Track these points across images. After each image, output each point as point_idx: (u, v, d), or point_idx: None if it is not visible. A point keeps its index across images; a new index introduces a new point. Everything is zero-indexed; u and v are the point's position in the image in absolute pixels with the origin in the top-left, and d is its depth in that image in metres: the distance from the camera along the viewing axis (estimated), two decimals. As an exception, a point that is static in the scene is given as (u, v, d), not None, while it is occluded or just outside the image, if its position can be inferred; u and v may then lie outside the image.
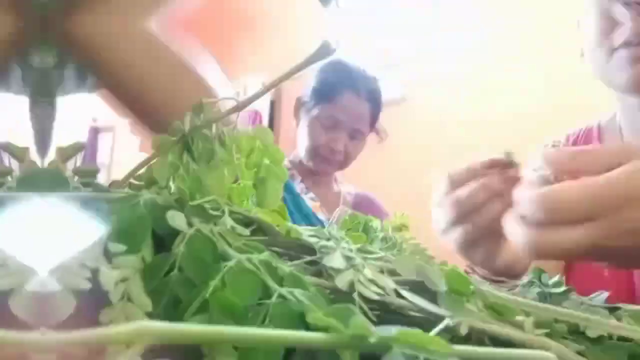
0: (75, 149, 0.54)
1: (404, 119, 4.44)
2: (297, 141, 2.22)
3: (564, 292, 0.73)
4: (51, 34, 0.77)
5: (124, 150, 6.41)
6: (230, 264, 0.38)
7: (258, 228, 0.52)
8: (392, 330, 0.25)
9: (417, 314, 0.42)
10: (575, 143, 1.43)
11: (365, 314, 0.39)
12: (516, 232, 0.66)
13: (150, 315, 0.37)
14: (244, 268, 0.38)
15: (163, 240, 0.44)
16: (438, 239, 0.87)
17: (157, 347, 0.21)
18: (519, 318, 0.45)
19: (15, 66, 0.76)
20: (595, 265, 1.18)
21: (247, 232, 0.48)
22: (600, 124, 1.42)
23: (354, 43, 4.66)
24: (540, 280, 0.78)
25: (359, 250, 0.50)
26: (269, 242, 0.50)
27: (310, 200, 2.10)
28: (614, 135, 1.34)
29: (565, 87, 4.14)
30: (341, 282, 0.42)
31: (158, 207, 0.44)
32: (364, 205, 2.28)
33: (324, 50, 0.58)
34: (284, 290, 0.36)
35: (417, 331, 0.25)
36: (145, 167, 0.57)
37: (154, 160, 0.57)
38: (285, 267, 0.40)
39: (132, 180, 0.57)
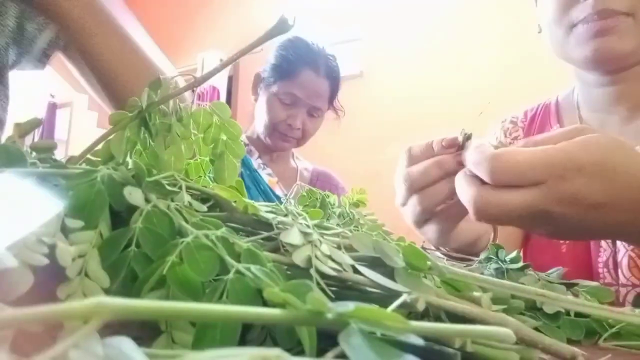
0: (33, 124, 0.54)
1: (362, 94, 4.45)
2: (255, 117, 2.22)
3: (521, 268, 0.74)
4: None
5: (81, 126, 6.35)
6: (188, 239, 0.38)
7: (215, 204, 0.52)
8: (349, 306, 0.25)
9: (374, 290, 0.43)
10: (533, 119, 1.45)
11: (322, 290, 0.39)
12: (464, 192, 0.67)
13: (108, 291, 0.37)
14: (201, 244, 0.38)
15: (120, 216, 0.44)
16: (395, 214, 0.88)
17: (114, 322, 0.21)
18: (477, 294, 0.46)
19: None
20: (554, 242, 1.20)
21: (204, 208, 0.48)
22: (558, 100, 1.44)
23: (312, 19, 4.63)
24: (497, 256, 0.79)
25: (316, 226, 0.50)
26: (226, 218, 0.50)
27: (267, 176, 2.10)
28: (571, 111, 1.36)
29: (520, 63, 4.18)
30: (298, 258, 0.42)
31: (115, 183, 0.44)
32: (321, 180, 2.29)
33: (282, 25, 0.58)
34: (241, 266, 0.37)
35: (374, 307, 0.26)
36: (103, 143, 0.57)
37: (112, 136, 0.56)
38: (243, 243, 0.40)
39: (89, 156, 0.57)
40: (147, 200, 0.43)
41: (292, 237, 0.44)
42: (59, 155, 0.53)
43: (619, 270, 1.14)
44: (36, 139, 0.55)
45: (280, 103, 2.09)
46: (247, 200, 0.53)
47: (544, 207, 0.64)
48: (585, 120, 1.31)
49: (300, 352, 0.31)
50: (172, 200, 0.45)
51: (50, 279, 0.35)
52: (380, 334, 0.25)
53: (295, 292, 0.28)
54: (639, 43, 1.11)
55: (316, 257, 0.42)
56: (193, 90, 0.64)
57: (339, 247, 0.46)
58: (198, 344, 0.32)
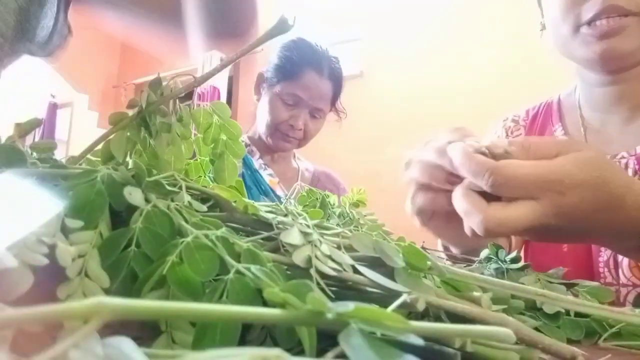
0: (33, 124, 0.54)
1: (362, 94, 4.45)
2: (257, 117, 2.22)
3: (522, 268, 0.74)
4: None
5: (82, 126, 6.35)
6: (188, 239, 0.38)
7: (215, 204, 0.52)
8: (349, 306, 0.25)
9: (374, 290, 0.43)
10: (535, 117, 1.44)
11: (322, 290, 0.39)
12: (470, 212, 0.68)
13: (108, 291, 0.37)
14: (201, 244, 0.38)
15: (120, 216, 0.44)
16: (395, 214, 0.88)
17: (114, 322, 0.21)
18: (477, 294, 0.46)
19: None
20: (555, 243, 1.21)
21: (204, 207, 0.48)
22: (560, 99, 1.43)
23: (312, 19, 4.63)
24: (497, 256, 0.78)
25: (316, 226, 0.50)
26: (226, 218, 0.50)
27: (268, 177, 2.10)
28: (573, 110, 1.36)
29: (519, 63, 4.18)
30: (298, 258, 0.42)
31: (115, 183, 0.44)
32: (322, 181, 2.29)
33: (282, 26, 0.58)
34: (241, 266, 0.37)
35: (374, 307, 0.25)
36: (103, 143, 0.57)
37: (112, 136, 0.56)
38: (243, 242, 0.40)
39: (89, 156, 0.57)
40: (147, 200, 0.43)
41: (292, 237, 0.44)
42: (60, 155, 0.53)
43: (620, 270, 1.14)
44: (37, 139, 0.55)
45: (283, 103, 2.09)
46: (248, 200, 0.53)
47: (544, 220, 0.65)
48: (586, 120, 1.31)
49: (300, 352, 0.31)
50: (172, 200, 0.45)
51: (50, 279, 0.35)
52: (380, 334, 0.25)
53: (295, 292, 0.28)
54: None
55: (316, 257, 0.42)
56: (193, 90, 0.64)
57: (339, 247, 0.46)
58: (198, 344, 0.32)
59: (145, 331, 0.36)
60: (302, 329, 0.30)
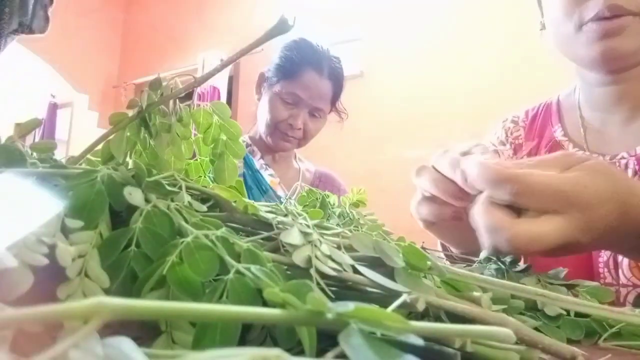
0: (33, 125, 0.54)
1: (362, 94, 4.45)
2: (257, 117, 2.22)
3: (523, 270, 0.74)
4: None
5: (82, 126, 6.36)
6: (188, 239, 0.38)
7: (215, 204, 0.52)
8: (349, 306, 0.25)
9: (374, 290, 0.43)
10: (534, 118, 1.44)
11: (322, 290, 0.39)
12: (498, 227, 0.66)
13: (108, 291, 0.37)
14: (201, 244, 0.38)
15: (120, 216, 0.44)
16: (395, 214, 0.88)
17: (114, 322, 0.21)
18: (477, 294, 0.46)
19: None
20: None
21: (204, 207, 0.48)
22: (559, 99, 1.43)
23: (312, 19, 4.64)
24: (498, 257, 0.78)
25: (316, 226, 0.50)
26: (226, 218, 0.50)
27: (269, 177, 2.10)
28: (573, 110, 1.35)
29: (520, 63, 4.18)
30: (298, 258, 0.42)
31: (115, 183, 0.44)
32: (323, 182, 2.29)
33: (282, 26, 0.58)
34: (241, 266, 0.37)
35: (374, 307, 0.25)
36: (103, 143, 0.57)
37: (112, 136, 0.56)
38: (243, 243, 0.40)
39: (89, 156, 0.57)
40: (147, 200, 0.43)
41: (292, 237, 0.44)
42: (60, 155, 0.53)
43: (620, 271, 1.13)
44: (37, 139, 0.55)
45: (283, 103, 2.09)
46: (247, 200, 0.53)
47: (573, 238, 0.64)
48: (586, 120, 1.31)
49: (300, 352, 0.31)
50: (172, 200, 0.45)
51: (50, 279, 0.35)
52: (380, 334, 0.25)
53: (295, 292, 0.28)
54: None
55: (316, 257, 0.42)
56: (193, 90, 0.64)
57: (339, 247, 0.46)
58: (198, 344, 0.32)
59: (145, 331, 0.36)
60: (302, 329, 0.30)
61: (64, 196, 0.41)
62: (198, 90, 5.35)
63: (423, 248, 0.82)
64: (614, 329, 0.60)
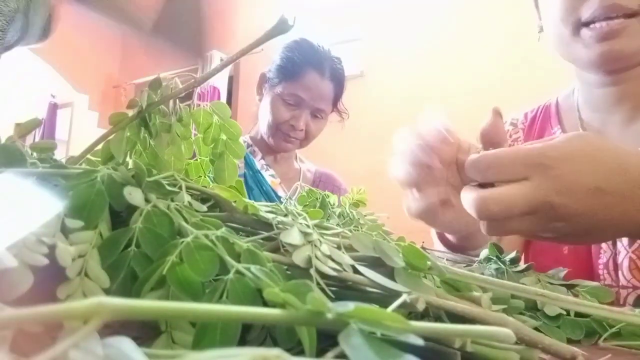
0: (33, 125, 0.54)
1: (362, 94, 4.45)
2: (259, 117, 2.22)
3: (524, 269, 0.75)
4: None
5: (82, 126, 6.36)
6: (188, 239, 0.38)
7: (215, 204, 0.52)
8: (349, 306, 0.25)
9: (374, 290, 0.43)
10: (533, 120, 1.44)
11: (322, 290, 0.39)
12: (465, 198, 0.71)
13: (108, 291, 0.37)
14: (201, 244, 0.38)
15: (120, 216, 0.44)
16: (395, 214, 0.88)
17: (114, 323, 0.21)
18: (477, 294, 0.46)
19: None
20: (555, 244, 1.20)
21: (204, 207, 0.48)
22: (558, 101, 1.43)
23: (312, 19, 4.63)
24: (498, 256, 0.79)
25: (316, 226, 0.50)
26: (226, 218, 0.50)
27: (270, 177, 2.10)
28: (572, 112, 1.35)
29: (520, 63, 4.18)
30: (298, 258, 0.42)
31: (115, 183, 0.44)
32: (323, 182, 2.29)
33: (282, 26, 0.58)
34: (241, 266, 0.37)
35: (374, 307, 0.25)
36: (103, 143, 0.57)
37: (112, 136, 0.56)
38: (243, 243, 0.40)
39: (89, 156, 0.57)
40: (147, 200, 0.43)
41: (292, 237, 0.44)
42: (60, 155, 0.53)
43: (620, 272, 1.13)
44: (37, 139, 0.55)
45: (284, 104, 2.09)
46: (247, 200, 0.53)
47: (543, 198, 0.65)
48: (585, 122, 1.30)
49: (300, 352, 0.31)
50: (172, 200, 0.45)
51: (50, 279, 0.35)
52: (380, 334, 0.25)
53: (295, 292, 0.28)
54: None
55: (316, 257, 0.42)
56: (193, 90, 0.64)
57: (339, 247, 0.46)
58: (198, 344, 0.32)
59: (145, 331, 0.36)
60: (302, 329, 0.30)
61: (64, 196, 0.41)
62: (198, 90, 5.34)
63: (423, 248, 0.82)
64: (614, 329, 0.60)
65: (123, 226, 0.41)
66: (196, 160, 0.67)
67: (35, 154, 0.50)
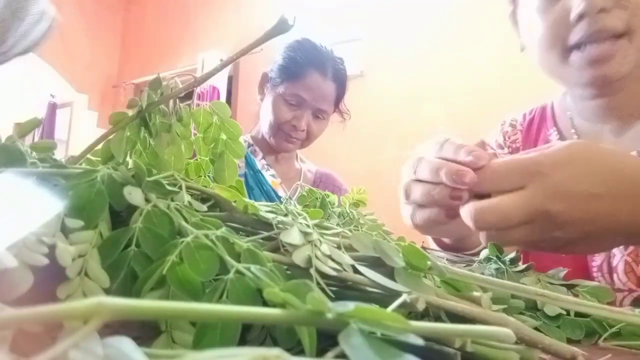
0: (33, 124, 0.54)
1: (362, 94, 4.45)
2: (260, 117, 2.22)
3: (524, 269, 0.75)
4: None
5: (81, 126, 6.35)
6: (188, 239, 0.38)
7: (215, 203, 0.52)
8: (349, 306, 0.25)
9: (374, 290, 0.43)
10: (531, 122, 1.44)
11: (322, 289, 0.39)
12: (463, 210, 0.72)
13: (108, 291, 0.37)
14: (201, 243, 0.38)
15: (120, 216, 0.44)
16: (395, 214, 0.88)
17: (114, 322, 0.21)
18: (477, 294, 0.46)
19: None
20: None
21: (204, 207, 0.48)
22: (553, 103, 1.42)
23: (312, 19, 4.63)
24: (498, 256, 0.79)
25: (316, 226, 0.50)
26: (226, 218, 0.50)
27: (271, 177, 2.10)
28: (565, 117, 1.34)
29: (520, 63, 4.18)
30: (298, 257, 0.42)
31: (115, 182, 0.44)
32: (324, 182, 2.29)
33: (282, 25, 0.58)
34: (241, 266, 0.37)
35: (374, 307, 0.25)
36: (103, 142, 0.57)
37: (112, 136, 0.56)
38: (243, 242, 0.40)
39: (89, 156, 0.57)
40: (147, 200, 0.43)
41: (292, 236, 0.44)
42: (59, 155, 0.53)
43: (615, 275, 1.13)
44: (36, 139, 0.55)
45: (286, 104, 2.08)
46: (247, 200, 0.53)
47: (540, 206, 0.66)
48: (577, 128, 1.29)
49: (300, 352, 0.31)
50: (172, 200, 0.45)
51: (50, 279, 0.35)
52: (380, 333, 0.25)
53: (295, 292, 0.28)
54: (637, 63, 1.08)
55: (316, 257, 0.42)
56: (193, 90, 0.64)
57: (339, 247, 0.46)
58: (198, 344, 0.32)
59: (145, 331, 0.36)
60: (302, 329, 0.30)
61: (64, 196, 0.41)
62: (197, 90, 5.34)
63: (423, 248, 0.82)
64: (614, 329, 0.60)
65: (123, 226, 0.41)
66: (196, 160, 0.67)
67: (35, 154, 0.50)
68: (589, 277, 1.16)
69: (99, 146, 0.57)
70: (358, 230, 0.64)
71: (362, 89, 4.64)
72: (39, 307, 0.20)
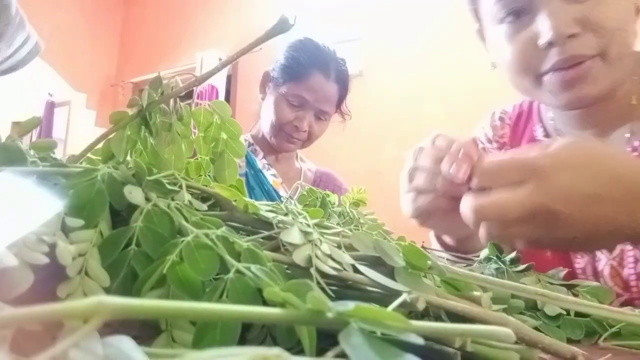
0: (32, 124, 0.54)
1: (362, 94, 4.45)
2: (261, 116, 2.21)
3: (524, 269, 0.75)
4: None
5: (79, 124, 6.34)
6: (188, 238, 0.38)
7: (215, 203, 0.52)
8: (349, 306, 0.25)
9: (374, 290, 0.43)
10: (520, 116, 1.42)
11: (322, 289, 0.39)
12: (462, 204, 0.72)
13: (108, 290, 0.37)
14: (201, 243, 0.38)
15: (121, 215, 0.44)
16: (395, 214, 0.88)
17: (114, 322, 0.21)
18: (477, 294, 0.46)
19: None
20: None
21: (204, 206, 0.48)
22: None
23: (312, 19, 4.63)
24: (498, 256, 0.79)
25: (317, 225, 0.50)
26: (227, 217, 0.50)
27: (271, 177, 2.10)
28: (548, 118, 1.33)
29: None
30: (298, 257, 0.42)
31: (115, 181, 0.44)
32: (324, 181, 2.28)
33: (282, 25, 0.58)
34: (241, 266, 0.37)
35: (374, 306, 0.26)
36: (103, 141, 0.57)
37: (112, 135, 0.56)
38: (243, 242, 0.40)
39: (89, 155, 0.57)
40: (148, 199, 0.43)
41: (293, 236, 0.44)
42: (57, 154, 0.53)
43: (601, 280, 1.12)
44: (34, 138, 0.55)
45: (288, 104, 2.07)
46: (248, 199, 0.53)
47: (539, 202, 0.66)
48: (559, 129, 1.28)
49: (300, 352, 0.31)
50: (173, 199, 0.45)
51: (50, 278, 0.35)
52: (381, 333, 0.25)
53: (295, 291, 0.28)
54: (612, 81, 1.05)
55: (316, 256, 0.42)
56: (193, 90, 0.64)
57: (339, 247, 0.46)
58: (198, 343, 0.32)
59: (146, 330, 0.36)
60: (302, 328, 0.30)
61: (64, 195, 0.41)
62: (197, 89, 5.34)
63: (423, 247, 0.82)
64: (614, 329, 0.60)
65: (123, 225, 0.41)
66: (196, 159, 0.67)
67: (35, 153, 0.50)
68: (575, 278, 1.16)
69: (99, 145, 0.57)
70: (358, 229, 0.64)
71: (362, 88, 4.64)
72: (39, 306, 0.20)
